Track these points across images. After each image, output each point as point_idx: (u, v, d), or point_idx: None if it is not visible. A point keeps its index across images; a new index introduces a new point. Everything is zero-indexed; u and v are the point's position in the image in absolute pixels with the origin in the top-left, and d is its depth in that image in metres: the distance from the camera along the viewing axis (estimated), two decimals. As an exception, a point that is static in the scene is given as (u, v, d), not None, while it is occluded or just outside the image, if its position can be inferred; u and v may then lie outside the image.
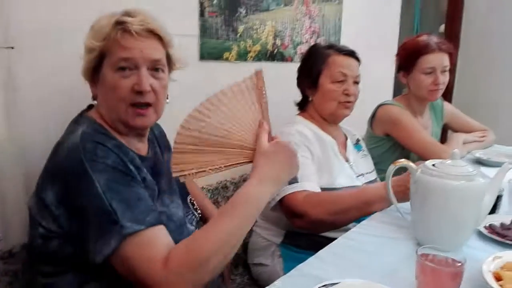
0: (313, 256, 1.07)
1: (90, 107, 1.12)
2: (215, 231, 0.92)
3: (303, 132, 1.54)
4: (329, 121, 1.64)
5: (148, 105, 1.04)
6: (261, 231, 1.63)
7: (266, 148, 0.99)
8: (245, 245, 1.69)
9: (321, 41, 2.24)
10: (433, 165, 1.13)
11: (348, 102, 1.58)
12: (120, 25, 1.01)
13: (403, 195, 1.25)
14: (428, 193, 1.11)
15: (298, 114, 1.69)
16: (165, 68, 1.08)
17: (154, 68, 1.04)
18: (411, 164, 1.16)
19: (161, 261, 0.88)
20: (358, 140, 1.81)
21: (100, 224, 0.90)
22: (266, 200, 0.98)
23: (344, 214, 1.34)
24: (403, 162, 1.15)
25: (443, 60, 1.97)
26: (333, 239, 1.46)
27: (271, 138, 1.03)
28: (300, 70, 1.67)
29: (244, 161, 1.03)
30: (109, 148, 0.95)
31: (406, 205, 1.25)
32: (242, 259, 1.71)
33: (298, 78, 1.68)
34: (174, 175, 0.98)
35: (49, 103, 1.27)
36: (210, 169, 0.99)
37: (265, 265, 1.58)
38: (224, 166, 1.01)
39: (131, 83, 1.00)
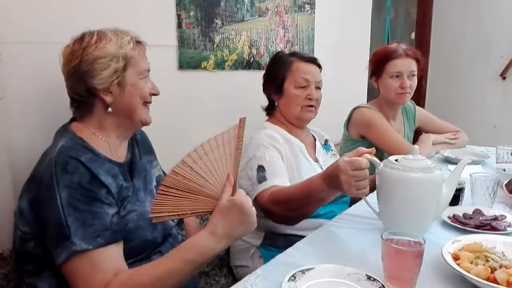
0: (290, 247, 1.19)
1: (72, 119, 1.21)
2: (156, 269, 0.99)
3: (272, 135, 1.65)
4: (295, 124, 1.76)
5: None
6: None
7: (223, 204, 1.01)
8: (228, 248, 1.78)
9: (295, 49, 2.38)
10: (396, 160, 1.26)
11: (311, 106, 1.71)
12: (139, 41, 1.20)
13: (359, 188, 1.21)
14: (391, 185, 1.23)
15: (267, 120, 1.80)
16: None
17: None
18: (374, 158, 1.25)
19: (100, 286, 0.96)
20: (326, 141, 1.92)
21: (55, 235, 0.99)
22: (214, 253, 1.01)
23: (299, 209, 1.38)
24: (366, 156, 1.23)
25: (410, 65, 2.12)
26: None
27: (234, 192, 1.04)
28: (266, 76, 1.80)
29: (208, 210, 1.06)
30: (82, 162, 1.03)
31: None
32: (226, 261, 1.79)
33: (264, 84, 1.80)
34: (150, 215, 1.03)
35: (35, 111, 1.34)
36: (178, 214, 1.06)
37: (247, 267, 1.67)
38: (191, 213, 1.07)
39: (149, 87, 1.22)
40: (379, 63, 2.18)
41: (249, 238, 1.69)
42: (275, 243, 1.65)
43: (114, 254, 1.02)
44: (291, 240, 1.57)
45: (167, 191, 1.05)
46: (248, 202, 1.04)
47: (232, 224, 1.02)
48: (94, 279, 0.97)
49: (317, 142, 1.84)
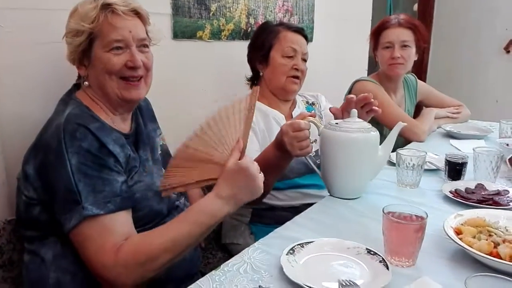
0: (289, 221, 1.19)
1: (76, 86, 1.21)
2: (167, 232, 1.00)
3: None
4: (279, 96, 1.74)
5: (139, 78, 1.15)
6: None
7: (230, 167, 1.03)
8: (219, 226, 1.79)
9: (294, 20, 2.34)
10: (336, 123, 1.35)
11: (296, 77, 1.70)
12: (107, 7, 1.10)
13: (301, 147, 1.29)
14: (330, 145, 1.33)
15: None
16: (149, 43, 1.20)
17: (141, 45, 1.16)
18: (315, 121, 1.33)
19: (112, 250, 0.98)
20: (312, 104, 1.88)
21: (65, 201, 1.00)
22: (221, 215, 1.03)
23: None
24: (309, 118, 1.31)
25: (401, 34, 2.09)
26: (296, 208, 1.61)
27: (241, 157, 1.06)
28: (252, 45, 1.78)
29: (213, 177, 1.06)
30: (90, 130, 1.03)
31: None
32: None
33: (250, 54, 1.79)
34: (160, 189, 1.07)
35: (26, 80, 1.32)
36: (186, 184, 1.07)
37: (238, 244, 1.69)
38: (199, 181, 1.07)
39: (124, 59, 1.12)
40: (374, 35, 2.18)
41: (237, 216, 1.71)
42: (263, 219, 1.67)
43: (124, 220, 1.04)
44: (279, 214, 1.63)
45: (178, 164, 1.06)
46: (253, 166, 1.04)
47: (237, 186, 1.03)
48: (106, 243, 0.98)
49: (295, 110, 1.79)
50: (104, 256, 0.97)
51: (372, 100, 1.40)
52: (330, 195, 1.38)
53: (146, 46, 1.18)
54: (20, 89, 1.31)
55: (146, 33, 1.19)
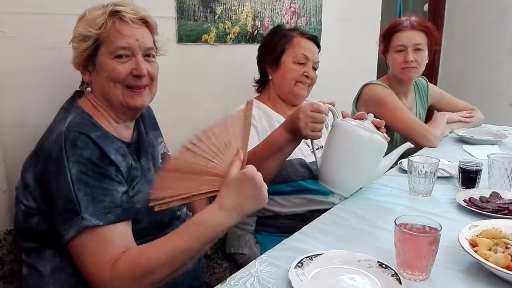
0: (297, 232, 1.17)
1: (78, 93, 1.21)
2: (166, 245, 0.98)
3: None
4: (286, 101, 1.75)
5: (144, 87, 1.16)
6: None
7: (233, 177, 1.00)
8: (225, 234, 1.78)
9: (302, 22, 2.33)
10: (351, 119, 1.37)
11: (306, 83, 1.70)
12: (115, 14, 1.12)
13: (314, 129, 1.30)
14: (338, 134, 1.34)
15: (255, 98, 1.79)
16: (155, 52, 1.21)
17: (147, 54, 1.17)
18: (334, 109, 1.36)
19: (109, 263, 0.96)
20: None
21: (64, 211, 1.00)
22: (224, 228, 0.99)
23: (261, 167, 1.29)
24: (329, 105, 1.34)
25: (415, 38, 2.07)
26: (301, 216, 1.63)
27: (243, 167, 1.03)
28: (263, 48, 1.78)
29: (212, 190, 1.03)
30: (92, 139, 1.03)
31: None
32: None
33: (260, 56, 1.79)
34: (151, 204, 1.01)
35: (28, 86, 1.32)
36: (182, 198, 1.03)
37: (243, 254, 1.68)
38: (196, 195, 1.03)
39: (129, 68, 1.12)
40: (385, 37, 2.16)
41: (242, 225, 1.70)
42: (268, 228, 1.67)
43: (124, 231, 1.03)
44: (284, 222, 1.64)
45: (168, 175, 1.03)
46: (259, 175, 1.02)
47: (242, 197, 1.00)
48: (103, 255, 0.97)
49: None
50: (101, 269, 0.96)
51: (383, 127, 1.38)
52: (318, 181, 1.41)
53: (152, 55, 1.19)
54: (22, 95, 1.31)
55: (154, 42, 1.20)
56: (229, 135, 1.06)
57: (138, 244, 1.05)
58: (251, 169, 1.02)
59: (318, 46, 1.76)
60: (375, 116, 1.63)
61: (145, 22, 1.17)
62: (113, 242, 0.99)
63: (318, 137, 1.32)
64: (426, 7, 4.30)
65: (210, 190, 1.03)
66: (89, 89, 1.16)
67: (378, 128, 1.35)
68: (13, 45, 1.27)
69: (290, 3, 2.24)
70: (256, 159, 1.34)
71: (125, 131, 1.21)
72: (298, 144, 1.39)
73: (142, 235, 1.10)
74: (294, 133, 1.31)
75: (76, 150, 1.00)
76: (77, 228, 0.97)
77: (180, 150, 1.04)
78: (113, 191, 1.03)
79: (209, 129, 1.05)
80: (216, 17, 1.87)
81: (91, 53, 1.13)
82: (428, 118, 2.38)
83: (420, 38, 2.08)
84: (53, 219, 1.02)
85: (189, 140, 1.04)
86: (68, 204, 0.99)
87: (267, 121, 1.68)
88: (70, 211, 0.98)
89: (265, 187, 1.03)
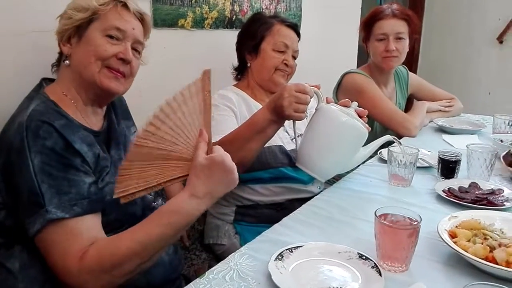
0: (277, 223, 1.18)
1: (45, 80, 1.18)
2: (136, 234, 0.96)
3: (226, 95, 1.66)
4: (265, 89, 1.75)
5: (122, 74, 1.15)
6: (212, 209, 1.73)
7: (202, 162, 0.98)
8: (203, 225, 1.78)
9: (281, 7, 2.32)
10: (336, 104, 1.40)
11: (285, 71, 1.71)
12: (121, 3, 1.15)
13: (297, 110, 1.30)
14: (320, 118, 1.35)
15: (233, 85, 1.79)
16: (141, 51, 1.23)
17: (135, 48, 1.19)
18: (319, 92, 1.35)
19: (77, 256, 0.95)
20: None
21: (28, 204, 0.97)
22: (197, 214, 0.99)
23: (242, 148, 1.37)
24: (314, 88, 1.33)
25: (396, 26, 2.09)
26: (280, 205, 1.64)
27: (210, 149, 1.02)
28: (242, 34, 1.78)
29: (180, 175, 1.01)
30: (55, 127, 1.00)
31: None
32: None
33: (239, 43, 1.79)
34: (115, 196, 0.98)
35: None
36: (149, 187, 1.00)
37: (222, 245, 1.68)
38: (163, 182, 1.00)
39: (116, 50, 1.13)
40: (366, 25, 2.17)
41: (220, 215, 1.70)
42: (246, 217, 1.67)
43: (92, 223, 1.00)
44: (263, 212, 1.65)
45: (130, 165, 1.00)
46: (228, 157, 1.00)
47: (213, 182, 0.99)
48: (71, 248, 0.95)
49: None
50: (68, 263, 0.94)
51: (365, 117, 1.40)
52: (296, 163, 1.42)
53: (138, 52, 1.21)
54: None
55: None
56: (190, 112, 1.02)
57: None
58: (219, 152, 1.00)
59: (298, 35, 1.76)
60: (357, 105, 1.65)
61: (143, 20, 1.21)
62: (80, 235, 0.97)
63: (301, 118, 1.32)
64: (407, -6, 4.32)
65: (178, 176, 1.01)
66: (67, 61, 1.14)
67: (360, 117, 1.36)
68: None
69: (270, -13, 2.22)
70: (238, 140, 1.36)
71: (94, 118, 1.18)
72: (281, 126, 1.39)
73: (113, 227, 1.08)
74: (277, 112, 1.31)
75: (39, 140, 0.98)
76: (41, 221, 0.95)
77: (139, 135, 1.01)
78: (79, 182, 1.01)
79: (167, 106, 1.02)
80: (193, 1, 1.84)
81: (82, 25, 1.12)
82: (408, 107, 2.41)
83: (401, 26, 2.09)
84: (19, 213, 1.00)
85: (149, 122, 1.01)
86: (32, 197, 0.96)
87: (246, 108, 1.68)
88: (34, 204, 0.96)
89: (235, 168, 1.01)
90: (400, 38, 2.09)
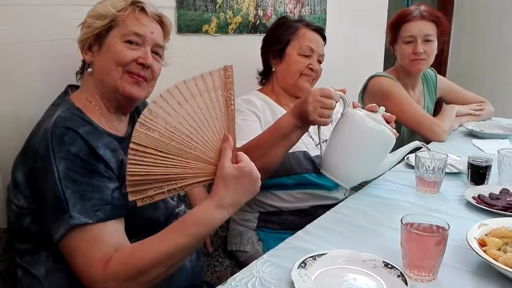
0: (301, 230, 1.17)
1: (70, 87, 1.21)
2: (161, 243, 0.97)
3: (250, 100, 1.66)
4: (290, 94, 1.75)
5: (144, 78, 1.17)
6: (235, 216, 1.74)
7: (228, 172, 0.98)
8: (226, 232, 1.79)
9: (306, 11, 2.31)
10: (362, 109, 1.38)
11: (310, 75, 1.70)
12: (137, 3, 1.16)
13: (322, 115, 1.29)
14: (346, 122, 1.34)
15: (258, 90, 1.79)
16: (162, 54, 1.24)
17: (155, 51, 1.20)
18: (345, 96, 1.34)
19: (101, 262, 0.96)
20: None
21: (53, 209, 0.99)
22: (220, 223, 1.01)
23: (267, 155, 1.35)
24: (340, 93, 1.32)
25: (425, 28, 2.05)
26: (304, 211, 1.63)
27: (235, 156, 1.02)
28: (267, 39, 1.78)
29: (204, 179, 1.01)
30: (79, 134, 1.03)
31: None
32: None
33: (264, 47, 1.79)
34: (130, 198, 0.98)
35: (20, 88, 1.32)
36: (168, 190, 1.00)
37: (246, 252, 1.68)
38: (181, 187, 1.00)
39: (136, 55, 1.15)
40: (394, 27, 2.14)
41: (243, 221, 1.71)
42: (270, 224, 1.67)
43: (115, 229, 1.02)
44: (287, 218, 1.64)
45: (144, 154, 0.96)
46: (254, 166, 1.02)
47: (240, 192, 1.00)
48: (94, 254, 0.96)
49: None
50: (92, 269, 0.96)
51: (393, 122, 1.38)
52: (320, 169, 1.41)
53: (159, 55, 1.22)
54: (15, 90, 1.31)
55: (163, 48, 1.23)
56: (208, 108, 1.00)
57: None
58: (246, 162, 1.01)
59: (324, 38, 1.75)
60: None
61: (162, 22, 1.22)
62: (103, 241, 0.98)
63: (326, 124, 1.30)
64: (435, -6, 4.26)
65: (201, 180, 1.01)
66: (90, 69, 1.17)
67: (388, 122, 1.34)
68: (5, 38, 1.27)
69: (294, -9, 2.22)
70: (262, 145, 1.36)
71: (118, 124, 1.21)
72: (305, 132, 1.38)
73: (137, 234, 1.09)
74: (301, 117, 1.30)
75: (63, 146, 1.00)
76: (65, 226, 0.97)
77: (144, 115, 0.97)
78: (103, 187, 1.02)
79: (184, 88, 1.00)
80: (217, 7, 1.86)
81: (101, 33, 1.14)
82: (437, 111, 2.37)
83: (430, 28, 2.06)
84: (43, 219, 1.02)
85: (154, 101, 0.98)
86: (56, 202, 0.98)
87: (270, 114, 1.68)
88: (58, 210, 0.98)
89: (260, 177, 1.03)
90: (428, 41, 2.06)
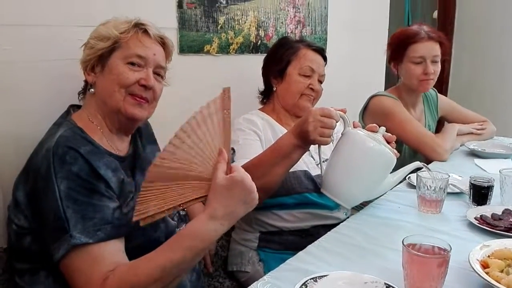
0: (302, 251, 1.17)
1: (72, 107, 1.23)
2: (156, 261, 0.97)
3: (251, 119, 1.68)
4: (290, 113, 1.76)
5: (145, 100, 1.18)
6: (236, 235, 1.74)
7: (221, 183, 0.99)
8: (226, 251, 1.78)
9: (307, 31, 2.34)
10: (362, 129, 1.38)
11: (311, 95, 1.72)
12: (139, 26, 1.19)
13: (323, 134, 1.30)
14: (346, 142, 1.34)
15: (259, 109, 1.81)
16: (164, 75, 1.26)
17: (157, 72, 1.22)
18: (345, 116, 1.35)
19: (99, 281, 0.96)
20: None
21: (54, 229, 1.00)
22: (216, 237, 1.00)
23: (267, 174, 1.37)
24: (340, 112, 1.32)
25: (433, 49, 2.08)
26: (305, 231, 1.62)
27: (229, 169, 1.02)
28: (268, 59, 1.81)
29: (200, 196, 1.02)
30: (81, 153, 1.03)
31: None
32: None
33: (265, 67, 1.81)
34: (134, 218, 1.00)
35: (22, 107, 1.33)
36: (168, 209, 1.01)
37: (246, 272, 1.67)
38: (183, 203, 1.01)
39: (138, 76, 1.16)
40: (399, 47, 2.14)
41: (244, 241, 1.70)
42: (271, 244, 1.66)
43: (115, 249, 1.02)
44: (288, 238, 1.64)
45: (150, 186, 1.01)
46: (247, 176, 1.01)
47: (233, 204, 0.99)
48: (93, 274, 0.97)
49: None
50: None
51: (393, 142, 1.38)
52: (321, 189, 1.41)
53: (161, 76, 1.24)
54: (17, 108, 1.32)
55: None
56: (210, 131, 1.03)
57: None
58: (238, 172, 1.01)
59: (325, 58, 1.77)
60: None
61: (164, 43, 1.24)
62: (103, 260, 0.98)
63: (326, 143, 1.31)
64: (435, 14, 4.30)
65: (198, 196, 1.02)
66: (92, 90, 1.19)
67: (388, 142, 1.35)
68: (7, 57, 1.28)
69: (295, 12, 2.25)
70: (263, 165, 1.37)
71: (120, 144, 1.22)
72: (306, 151, 1.39)
73: (137, 254, 1.08)
74: (302, 137, 1.31)
75: (65, 165, 1.01)
76: (66, 246, 0.97)
77: (160, 155, 1.02)
78: (104, 207, 1.03)
79: (188, 126, 1.02)
80: (219, 27, 1.89)
81: (104, 54, 1.16)
82: (439, 130, 2.37)
83: (437, 49, 2.09)
84: (44, 238, 1.03)
85: (169, 142, 1.02)
86: (57, 222, 0.99)
87: (271, 132, 1.69)
88: (59, 229, 0.98)
89: (255, 188, 1.02)
90: (435, 61, 2.10)
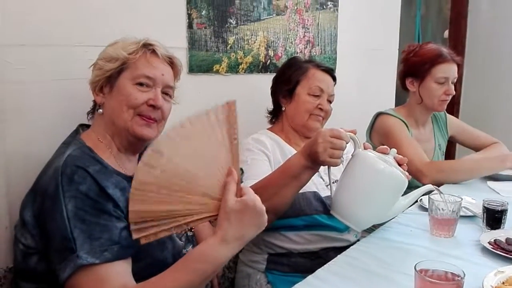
0: (311, 275, 1.15)
1: (81, 126, 1.25)
2: (163, 282, 0.98)
3: (260, 139, 1.68)
4: (300, 133, 1.77)
5: (154, 120, 1.19)
6: (244, 257, 1.72)
7: (232, 207, 0.99)
8: (234, 273, 1.77)
9: (316, 51, 2.35)
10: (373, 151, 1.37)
11: (320, 116, 1.72)
12: (148, 46, 1.21)
13: (333, 155, 1.30)
14: (357, 164, 1.32)
15: (267, 129, 1.81)
16: (172, 94, 1.28)
17: (165, 92, 1.23)
18: (355, 137, 1.34)
19: None
20: None
21: (60, 249, 1.00)
22: (226, 260, 1.00)
23: (276, 195, 1.36)
24: (350, 134, 1.31)
25: (455, 71, 2.12)
26: (314, 253, 1.60)
27: (239, 190, 1.02)
28: (277, 79, 1.82)
29: (209, 215, 1.01)
30: (89, 173, 1.04)
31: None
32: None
33: (274, 86, 1.82)
34: (134, 236, 0.99)
35: (32, 126, 1.34)
36: (169, 228, 1.00)
37: None
38: (186, 223, 1.00)
39: (147, 97, 1.17)
40: (422, 65, 2.12)
41: (252, 263, 1.69)
42: (279, 266, 1.65)
43: (122, 269, 1.02)
44: (297, 261, 1.62)
45: (144, 189, 0.98)
46: (259, 200, 1.02)
47: (245, 227, 1.00)
48: None
49: None
50: None
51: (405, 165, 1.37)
52: (330, 211, 1.39)
53: (169, 95, 1.25)
54: (27, 127, 1.33)
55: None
56: (212, 144, 1.02)
57: None
58: (250, 195, 1.01)
59: (334, 79, 1.78)
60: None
61: (172, 63, 1.26)
62: (109, 281, 0.98)
63: (336, 164, 1.31)
64: (446, 33, 4.31)
65: (204, 216, 1.01)
66: (100, 110, 1.20)
67: (400, 165, 1.33)
68: (20, 76, 1.30)
69: (304, 32, 2.27)
70: (272, 186, 1.36)
71: (128, 163, 1.23)
72: (315, 172, 1.38)
73: (144, 275, 1.07)
74: (311, 158, 1.31)
75: (73, 184, 1.01)
76: (72, 266, 0.97)
77: (147, 154, 1.00)
78: (111, 227, 1.03)
79: (181, 129, 1.01)
80: (228, 47, 1.90)
81: (112, 75, 1.17)
82: (449, 149, 2.35)
83: (456, 71, 2.13)
84: (50, 258, 1.02)
85: (158, 140, 1.02)
86: (63, 242, 0.99)
87: (280, 152, 1.69)
88: (65, 249, 0.98)
89: (265, 210, 1.02)
90: (453, 82, 2.12)
